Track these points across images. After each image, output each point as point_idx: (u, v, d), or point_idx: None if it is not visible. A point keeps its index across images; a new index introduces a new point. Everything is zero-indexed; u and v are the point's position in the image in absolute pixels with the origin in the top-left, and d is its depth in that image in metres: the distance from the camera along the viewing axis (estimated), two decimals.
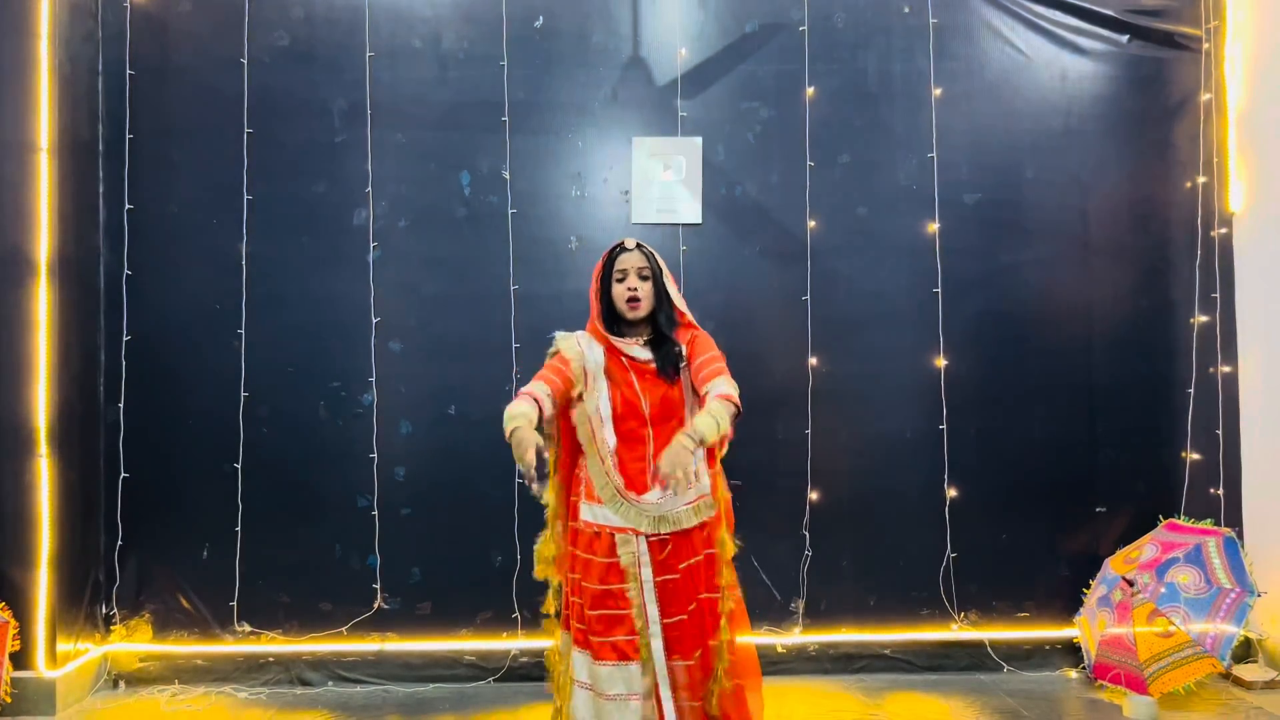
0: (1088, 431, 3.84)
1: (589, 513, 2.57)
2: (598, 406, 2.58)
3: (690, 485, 2.41)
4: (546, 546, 2.69)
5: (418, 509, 3.71)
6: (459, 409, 3.72)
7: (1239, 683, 3.55)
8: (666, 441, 2.45)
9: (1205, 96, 3.87)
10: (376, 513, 3.69)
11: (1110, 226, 3.86)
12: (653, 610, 2.49)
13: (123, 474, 3.65)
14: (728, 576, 2.63)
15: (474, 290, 3.74)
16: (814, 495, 3.76)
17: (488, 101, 3.74)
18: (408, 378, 3.72)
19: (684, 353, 2.63)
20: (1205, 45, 3.87)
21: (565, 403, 2.60)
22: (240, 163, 3.69)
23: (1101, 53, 3.87)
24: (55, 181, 3.39)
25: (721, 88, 3.80)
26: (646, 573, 2.50)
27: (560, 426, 2.67)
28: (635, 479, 2.54)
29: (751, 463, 3.60)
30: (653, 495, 2.51)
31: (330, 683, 3.65)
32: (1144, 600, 3.33)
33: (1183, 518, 3.69)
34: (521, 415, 2.33)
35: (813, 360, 3.77)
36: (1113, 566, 3.59)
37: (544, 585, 2.73)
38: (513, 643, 3.68)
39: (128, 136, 3.66)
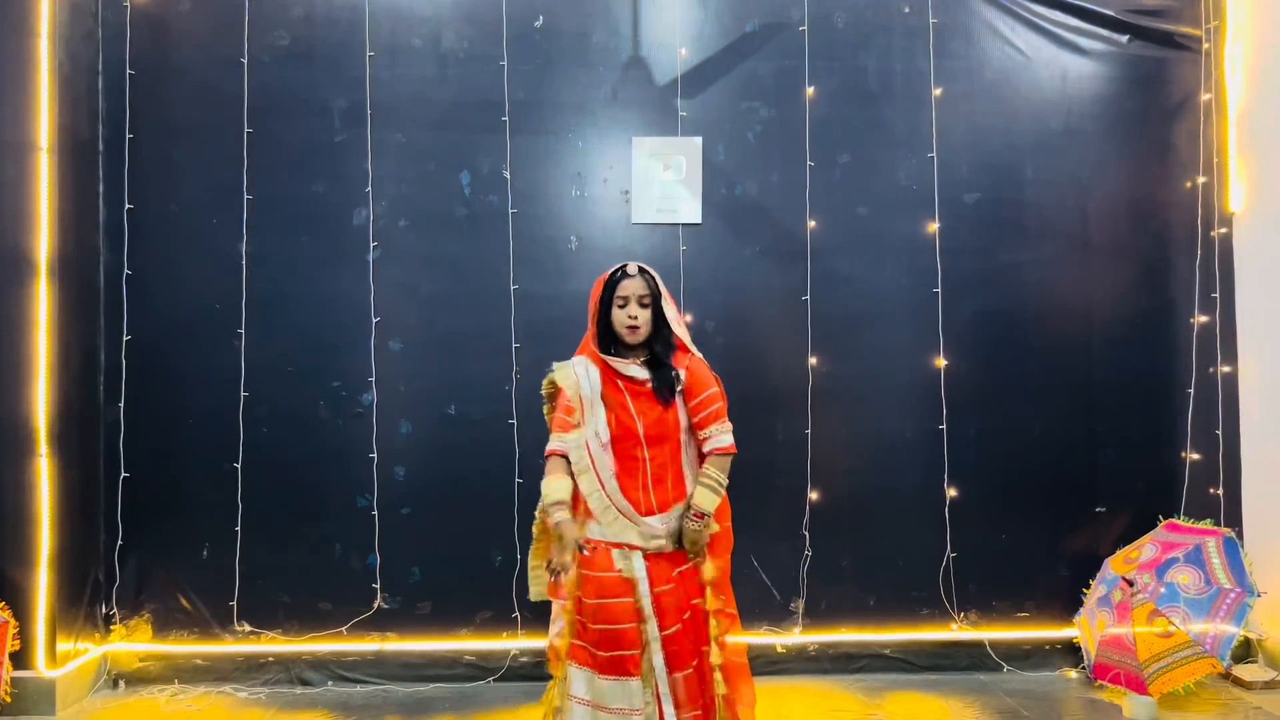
0: (1088, 431, 3.84)
1: (588, 529, 2.57)
2: (596, 431, 2.58)
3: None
4: (538, 557, 2.71)
5: (417, 508, 3.71)
6: (459, 408, 3.72)
7: (1239, 683, 3.56)
8: (660, 464, 2.57)
9: (1205, 96, 3.87)
10: (376, 512, 3.69)
11: (1110, 226, 3.86)
12: (652, 626, 2.49)
13: (123, 474, 3.65)
14: (714, 603, 2.60)
15: (474, 290, 3.74)
16: (814, 495, 3.76)
17: (488, 101, 3.75)
18: (408, 377, 3.72)
19: (681, 376, 2.62)
20: (1205, 45, 3.87)
21: None
22: (240, 162, 3.69)
23: (1101, 53, 3.87)
24: (55, 181, 3.39)
25: (721, 87, 3.80)
26: (644, 587, 2.51)
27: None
28: (634, 500, 2.55)
29: (751, 462, 3.58)
30: (655, 519, 2.55)
31: (330, 682, 3.65)
32: (1144, 600, 3.33)
33: (1182, 518, 3.69)
34: (563, 505, 2.46)
35: (813, 360, 3.77)
36: (1112, 566, 3.59)
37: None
38: (513, 642, 3.68)
39: (128, 136, 3.66)
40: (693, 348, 2.68)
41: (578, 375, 2.62)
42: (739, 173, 3.80)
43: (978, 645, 3.78)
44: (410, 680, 3.66)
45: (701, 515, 2.53)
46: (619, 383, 2.60)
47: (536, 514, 2.68)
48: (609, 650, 2.46)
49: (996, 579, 3.80)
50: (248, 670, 3.66)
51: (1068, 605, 3.79)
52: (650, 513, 2.55)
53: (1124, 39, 3.87)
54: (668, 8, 3.80)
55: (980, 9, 3.85)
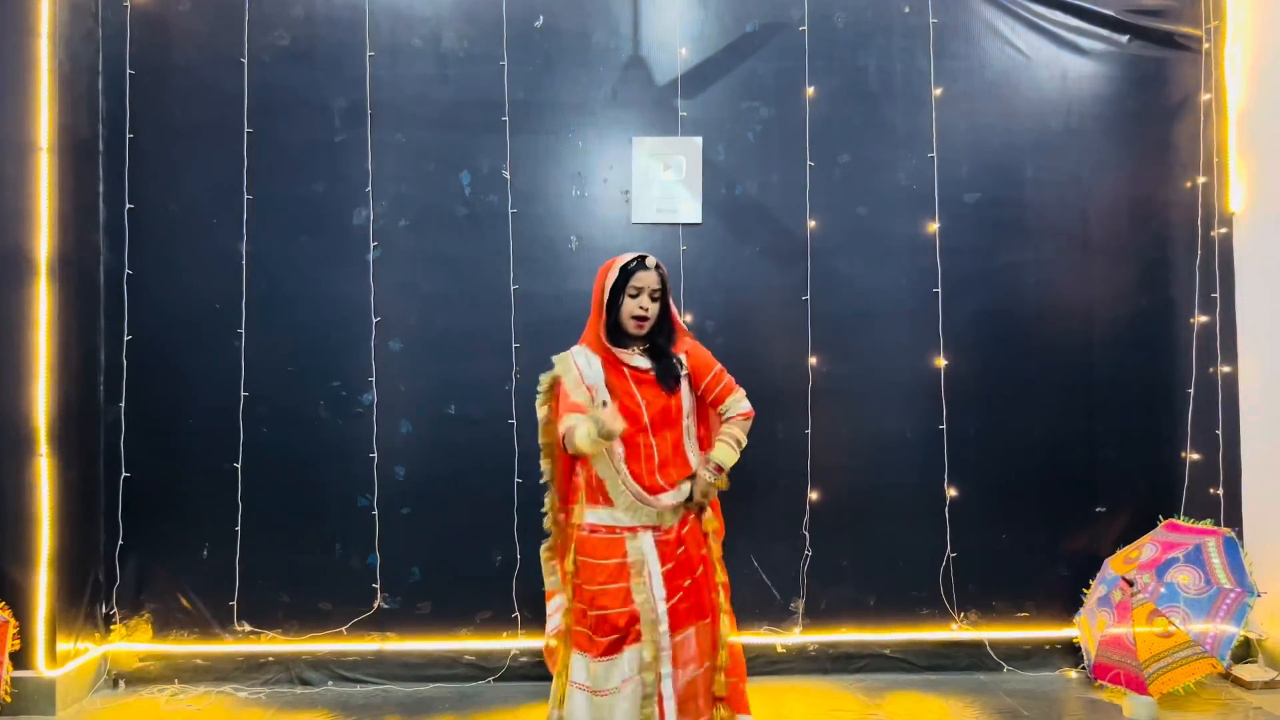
0: (1087, 431, 3.84)
1: (594, 515, 2.62)
2: None
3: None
4: (554, 553, 2.81)
5: (417, 508, 3.71)
6: (459, 408, 3.72)
7: (1239, 683, 3.56)
8: (665, 450, 2.63)
9: (1205, 96, 3.87)
10: (376, 512, 3.69)
11: (1110, 226, 3.86)
12: (660, 591, 2.56)
13: (123, 473, 3.65)
14: (721, 576, 2.73)
15: (474, 289, 3.74)
16: (814, 495, 3.76)
17: (488, 101, 3.74)
18: (408, 377, 3.72)
19: (683, 362, 2.70)
20: (1205, 45, 3.87)
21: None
22: (240, 162, 3.69)
23: (1101, 53, 3.87)
24: (55, 181, 3.39)
25: (721, 87, 3.80)
26: (655, 565, 2.57)
27: (559, 443, 2.68)
28: (644, 484, 2.60)
29: (751, 462, 3.59)
30: (667, 496, 2.61)
31: (330, 682, 3.65)
32: (1144, 600, 3.33)
33: (1182, 518, 3.69)
34: (580, 419, 2.50)
35: (813, 360, 3.77)
36: (1112, 566, 3.59)
37: (543, 585, 2.76)
38: (513, 642, 3.68)
39: (128, 136, 3.66)
40: (687, 332, 2.80)
41: (579, 366, 2.65)
42: (739, 173, 3.80)
43: (978, 645, 3.78)
44: (410, 680, 3.66)
45: (720, 469, 2.66)
46: (624, 370, 2.64)
47: (546, 509, 2.81)
48: (606, 635, 2.53)
49: (996, 579, 3.80)
50: (248, 670, 3.66)
51: (1068, 605, 3.79)
52: (660, 492, 2.62)
53: (1124, 39, 3.87)
54: (668, 8, 3.80)
55: (980, 9, 3.85)
